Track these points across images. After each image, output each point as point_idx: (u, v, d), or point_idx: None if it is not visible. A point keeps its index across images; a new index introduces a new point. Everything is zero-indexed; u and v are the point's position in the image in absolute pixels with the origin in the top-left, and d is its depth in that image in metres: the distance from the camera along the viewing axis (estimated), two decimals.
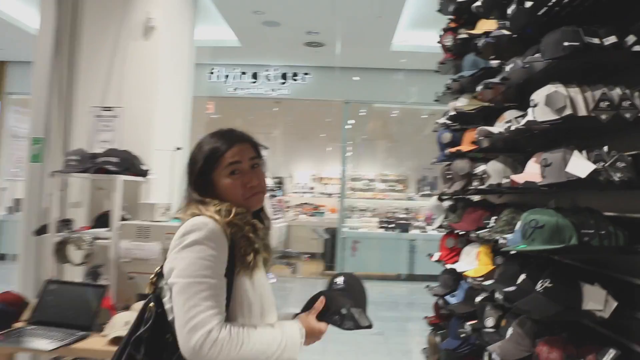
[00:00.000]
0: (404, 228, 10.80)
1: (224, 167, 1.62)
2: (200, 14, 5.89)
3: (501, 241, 2.29)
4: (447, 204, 3.68)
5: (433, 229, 3.74)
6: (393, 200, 14.18)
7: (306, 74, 11.10)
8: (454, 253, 3.47)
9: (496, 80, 2.56)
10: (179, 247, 1.49)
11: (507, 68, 2.42)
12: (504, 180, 2.34)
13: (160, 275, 1.58)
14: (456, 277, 3.42)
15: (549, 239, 1.93)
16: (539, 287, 2.05)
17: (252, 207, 1.67)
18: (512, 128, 2.25)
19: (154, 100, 4.55)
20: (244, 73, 11.20)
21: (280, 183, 16.68)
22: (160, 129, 4.61)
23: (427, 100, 11.29)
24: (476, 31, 3.26)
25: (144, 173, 4.15)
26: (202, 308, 1.41)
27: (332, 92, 10.91)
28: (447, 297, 3.36)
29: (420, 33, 8.82)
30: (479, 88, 2.79)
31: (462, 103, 3.34)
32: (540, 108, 2.05)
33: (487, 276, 2.69)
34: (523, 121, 2.16)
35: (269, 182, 16.52)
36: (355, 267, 10.45)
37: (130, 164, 4.00)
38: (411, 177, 15.95)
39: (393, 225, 10.98)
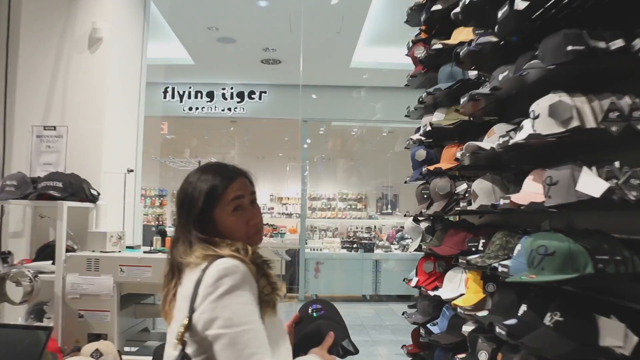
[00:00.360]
0: (368, 248, 10.56)
1: (227, 204, 1.53)
2: (152, 30, 5.54)
3: (501, 269, 2.04)
4: (424, 225, 3.44)
5: (410, 252, 3.49)
6: (353, 220, 14.01)
7: (263, 92, 10.84)
8: (433, 278, 3.23)
9: (485, 90, 2.33)
10: (216, 294, 1.37)
11: (500, 77, 2.20)
12: (502, 201, 2.10)
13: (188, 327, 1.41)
14: (436, 304, 3.17)
15: (561, 267, 1.69)
16: (547, 321, 1.81)
17: (254, 244, 1.57)
18: (510, 143, 2.01)
19: (103, 119, 4.18)
20: (199, 92, 10.85)
21: None
22: (109, 150, 4.24)
23: (388, 118, 11.38)
24: (452, 41, 3.06)
25: (92, 198, 3.79)
26: (261, 354, 1.35)
27: (290, 111, 10.65)
28: (429, 326, 3.11)
29: (380, 49, 8.70)
30: (463, 100, 2.57)
31: (438, 118, 3.12)
32: (543, 120, 1.83)
33: (478, 306, 2.44)
34: (522, 135, 1.93)
35: None
36: (318, 289, 10.17)
37: (76, 189, 3.63)
38: (371, 196, 15.86)
39: (356, 245, 10.74)
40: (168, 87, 10.79)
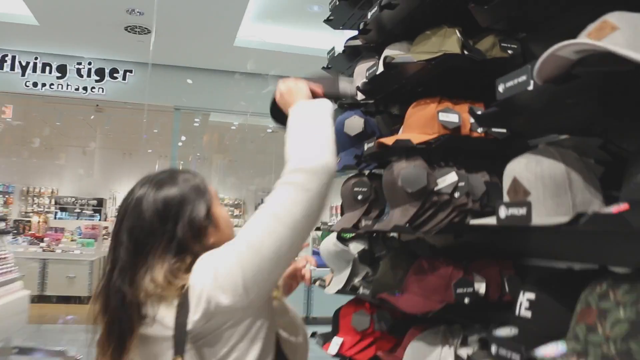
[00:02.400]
0: None
1: (215, 198, 1.35)
2: None
3: None
4: (355, 247, 2.05)
5: (331, 293, 2.06)
6: None
7: (128, 71, 8.99)
8: (370, 340, 1.85)
9: None
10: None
11: None
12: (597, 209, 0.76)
13: None
14: None
15: None
16: None
17: None
18: None
19: None
20: (47, 65, 8.78)
21: (99, 205, 14.39)
22: None
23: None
24: None
25: None
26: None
27: (160, 96, 8.89)
28: None
29: (272, 27, 7.29)
30: None
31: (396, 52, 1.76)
32: None
33: None
34: None
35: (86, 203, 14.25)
36: None
37: None
38: (250, 202, 14.36)
39: None
40: (6, 55, 8.64)
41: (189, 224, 1.23)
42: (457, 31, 1.63)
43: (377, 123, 2.00)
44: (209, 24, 7.13)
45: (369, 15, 1.85)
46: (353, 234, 2.08)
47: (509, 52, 1.68)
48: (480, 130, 1.60)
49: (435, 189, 1.51)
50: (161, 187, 1.27)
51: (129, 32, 7.54)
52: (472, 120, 1.60)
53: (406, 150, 1.59)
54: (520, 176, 1.11)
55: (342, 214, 2.07)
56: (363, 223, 1.75)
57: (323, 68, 2.41)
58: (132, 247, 1.21)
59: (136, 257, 1.20)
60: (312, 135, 1.26)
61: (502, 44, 1.69)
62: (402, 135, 1.64)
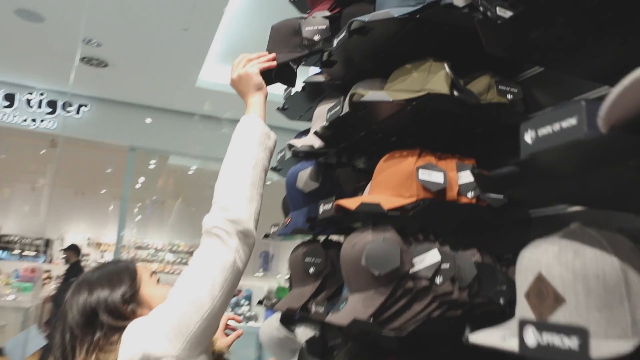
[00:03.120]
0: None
1: (151, 277, 1.47)
2: None
3: None
4: (303, 334, 1.61)
5: None
6: None
7: (83, 105, 8.48)
8: None
9: None
10: None
11: None
12: None
13: None
14: None
15: None
16: None
17: None
18: None
19: None
20: None
21: (45, 246, 13.61)
22: None
23: None
24: None
25: None
26: None
27: (116, 134, 8.42)
28: None
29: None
30: None
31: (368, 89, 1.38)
32: None
33: None
34: None
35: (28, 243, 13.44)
36: None
37: None
38: None
39: None
40: None
41: (112, 313, 1.29)
42: (445, 66, 1.27)
43: (337, 178, 1.61)
44: (171, 62, 6.76)
45: (335, 42, 1.48)
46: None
47: (508, 96, 1.33)
48: (471, 194, 1.22)
49: (411, 271, 1.11)
50: (86, 289, 1.34)
51: (85, 63, 7.10)
52: (462, 181, 1.22)
53: (374, 216, 1.20)
54: (549, 273, 0.72)
55: (290, 287, 1.65)
56: (314, 309, 1.34)
57: (278, 109, 2.02)
58: (66, 345, 1.29)
59: (72, 351, 1.27)
60: (236, 181, 1.28)
61: (500, 87, 1.34)
62: (369, 196, 1.24)
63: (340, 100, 1.40)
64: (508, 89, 1.34)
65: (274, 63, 1.49)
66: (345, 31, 1.40)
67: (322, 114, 1.62)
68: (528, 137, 0.69)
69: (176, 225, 13.41)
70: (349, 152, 1.65)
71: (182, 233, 14.04)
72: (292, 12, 2.29)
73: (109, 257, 13.98)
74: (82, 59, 6.96)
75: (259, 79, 1.45)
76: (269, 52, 1.55)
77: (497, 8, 1.37)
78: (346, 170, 1.64)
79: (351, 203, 1.20)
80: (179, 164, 9.96)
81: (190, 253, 13.94)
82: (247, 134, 1.33)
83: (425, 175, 1.18)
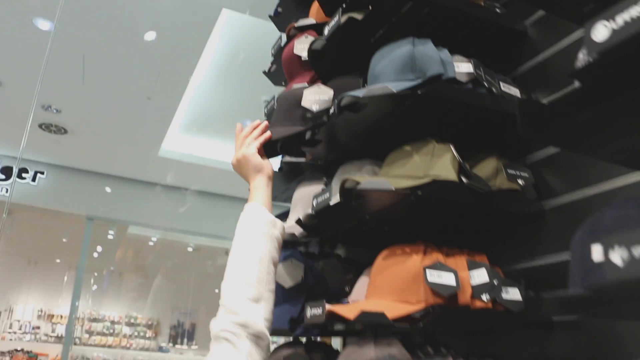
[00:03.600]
0: None
1: None
2: None
3: None
4: None
5: None
6: (140, 351, 11.29)
7: (40, 172, 8.15)
8: None
9: None
10: None
11: None
12: None
13: None
14: None
15: None
16: None
17: None
18: None
19: None
20: None
21: None
22: None
23: (198, 230, 9.22)
24: None
25: None
26: None
27: (73, 203, 8.10)
28: None
29: (199, 139, 6.80)
30: None
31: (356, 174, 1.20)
32: None
33: None
34: None
35: None
36: None
37: None
38: (164, 323, 13.19)
39: None
40: None
41: None
42: (452, 148, 1.11)
43: (321, 270, 1.41)
44: (134, 131, 6.57)
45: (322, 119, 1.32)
46: None
47: (519, 182, 1.17)
48: (486, 297, 1.04)
49: None
50: None
51: (43, 130, 6.84)
52: (475, 281, 1.04)
53: (373, 326, 1.00)
54: None
55: None
56: None
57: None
58: None
59: None
60: (241, 280, 1.14)
61: (509, 171, 1.18)
62: (370, 303, 1.04)
63: (328, 187, 1.22)
64: (518, 173, 1.19)
65: (266, 137, 1.36)
66: (333, 107, 1.24)
67: (303, 197, 1.43)
68: (617, 256, 0.51)
69: (134, 297, 12.88)
70: (332, 240, 1.47)
71: (141, 305, 13.48)
72: (262, 85, 2.16)
73: (61, 330, 13.25)
74: (41, 125, 6.72)
75: (257, 160, 1.32)
76: (274, 124, 1.42)
77: (502, 84, 1.24)
78: (331, 262, 1.45)
79: (348, 311, 1.00)
80: (139, 234, 9.60)
81: (149, 326, 13.34)
82: (249, 226, 1.22)
83: (435, 276, 1.00)
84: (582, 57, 0.65)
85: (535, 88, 1.29)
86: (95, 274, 12.08)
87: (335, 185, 1.16)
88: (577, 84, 0.64)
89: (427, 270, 1.00)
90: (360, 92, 1.13)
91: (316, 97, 1.32)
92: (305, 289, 1.35)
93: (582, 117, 0.70)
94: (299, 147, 1.38)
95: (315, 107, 1.30)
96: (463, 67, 1.19)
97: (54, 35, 4.61)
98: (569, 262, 1.13)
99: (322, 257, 1.47)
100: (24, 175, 8.09)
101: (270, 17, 2.08)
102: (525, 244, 1.22)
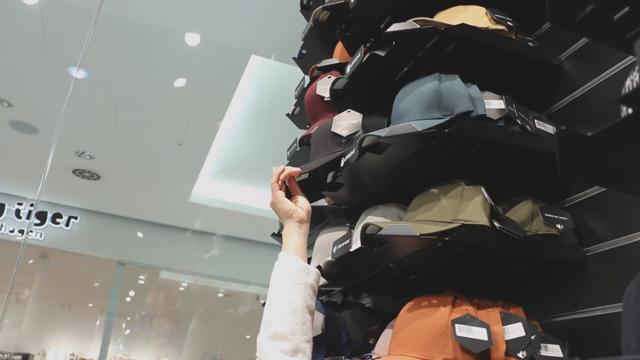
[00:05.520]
0: None
1: None
2: None
3: None
4: None
5: None
6: None
7: (73, 217, 8.24)
8: None
9: None
10: None
11: None
12: None
13: None
14: None
15: None
16: None
17: None
18: None
19: None
20: None
21: None
22: None
23: (227, 275, 9.14)
24: (443, 20, 1.19)
25: None
26: None
27: (105, 247, 8.15)
28: None
29: (229, 184, 6.80)
30: None
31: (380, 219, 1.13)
32: None
33: None
34: None
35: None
36: None
37: None
38: None
39: None
40: None
41: None
42: (483, 190, 1.03)
43: (344, 321, 1.32)
44: (165, 177, 6.62)
45: (342, 161, 1.25)
46: None
47: (558, 226, 1.08)
48: (522, 355, 0.93)
49: None
50: None
51: (77, 175, 6.94)
52: (509, 336, 0.94)
53: None
54: None
55: None
56: None
57: (273, 235, 1.77)
58: None
59: None
60: (276, 334, 1.09)
61: (546, 215, 1.08)
62: (392, 359, 0.95)
63: (348, 233, 1.15)
64: (556, 217, 1.09)
65: (290, 171, 1.30)
66: (355, 149, 1.17)
67: (325, 244, 1.36)
68: None
69: (165, 342, 12.78)
70: (356, 290, 1.38)
71: (171, 351, 13.38)
72: (289, 129, 2.11)
73: None
74: (74, 171, 6.82)
75: (284, 206, 1.27)
76: (312, 159, 1.37)
77: (536, 121, 1.16)
78: (354, 311, 1.36)
79: None
80: (170, 279, 9.59)
81: None
82: (281, 276, 1.17)
83: (464, 331, 0.90)
84: (629, 83, 0.57)
85: (572, 126, 1.21)
86: (128, 318, 12.07)
87: (357, 231, 1.08)
88: (625, 112, 0.56)
89: (456, 325, 0.91)
90: (382, 132, 1.06)
91: (346, 121, 1.26)
92: (325, 341, 1.26)
93: (633, 151, 0.61)
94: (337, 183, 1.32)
95: (345, 133, 1.24)
96: (494, 104, 1.11)
97: (87, 83, 4.71)
98: (615, 316, 1.01)
99: (346, 306, 1.39)
100: (57, 220, 8.21)
101: (294, 59, 2.06)
102: (565, 295, 1.12)
